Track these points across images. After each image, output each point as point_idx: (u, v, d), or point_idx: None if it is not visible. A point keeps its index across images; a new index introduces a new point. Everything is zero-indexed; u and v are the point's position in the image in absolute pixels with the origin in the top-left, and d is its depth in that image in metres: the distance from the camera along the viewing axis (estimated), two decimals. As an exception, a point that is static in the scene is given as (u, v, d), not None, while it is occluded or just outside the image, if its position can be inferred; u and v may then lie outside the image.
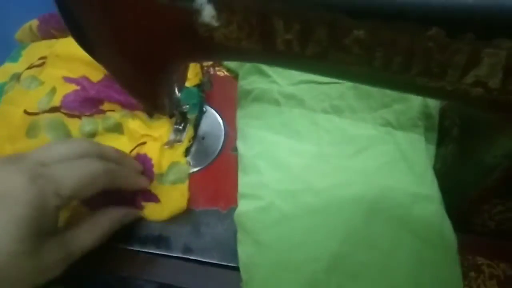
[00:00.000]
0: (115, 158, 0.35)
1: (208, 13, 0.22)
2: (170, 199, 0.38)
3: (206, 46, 0.24)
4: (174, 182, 0.39)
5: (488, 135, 0.28)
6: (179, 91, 0.35)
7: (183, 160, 0.40)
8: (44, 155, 0.30)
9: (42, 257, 0.28)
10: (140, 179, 0.37)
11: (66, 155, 0.31)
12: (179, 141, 0.41)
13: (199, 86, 0.44)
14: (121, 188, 0.35)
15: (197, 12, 0.22)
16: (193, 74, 0.44)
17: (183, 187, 0.39)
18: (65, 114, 0.42)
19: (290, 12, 0.21)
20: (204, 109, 0.45)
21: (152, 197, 0.38)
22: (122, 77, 0.29)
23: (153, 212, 0.38)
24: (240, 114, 0.39)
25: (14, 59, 0.52)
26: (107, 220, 0.34)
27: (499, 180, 0.28)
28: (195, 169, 0.41)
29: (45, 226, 0.28)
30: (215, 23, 0.22)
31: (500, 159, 0.27)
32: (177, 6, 0.22)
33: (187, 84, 0.43)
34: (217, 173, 0.41)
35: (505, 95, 0.21)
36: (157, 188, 0.38)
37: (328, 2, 0.20)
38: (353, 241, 0.31)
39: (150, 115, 0.35)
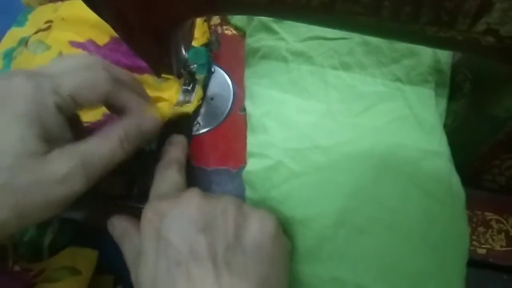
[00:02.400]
0: (127, 80, 0.32)
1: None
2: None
3: (212, 1, 0.24)
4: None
5: (499, 88, 0.28)
6: (186, 50, 0.35)
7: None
8: (50, 67, 0.29)
9: (53, 164, 0.26)
10: (151, 110, 0.33)
11: (71, 66, 0.29)
12: (188, 101, 0.41)
13: (207, 45, 0.44)
14: (125, 107, 0.31)
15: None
16: (200, 33, 0.43)
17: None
18: None
19: (295, -39, 0.20)
20: (213, 69, 0.44)
21: None
22: (128, 37, 0.29)
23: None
24: (248, 73, 0.39)
25: (21, 24, 0.52)
26: (120, 126, 0.30)
27: (510, 134, 0.28)
28: (204, 130, 0.41)
29: (49, 128, 0.26)
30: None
31: (508, 113, 0.27)
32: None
33: (195, 43, 0.43)
34: (227, 133, 0.41)
35: (518, 44, 0.20)
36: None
37: None
38: (360, 196, 0.31)
39: (158, 75, 0.35)
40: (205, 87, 0.43)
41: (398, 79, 0.34)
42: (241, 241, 0.26)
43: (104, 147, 0.29)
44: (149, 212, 0.27)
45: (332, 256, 0.31)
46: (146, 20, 0.27)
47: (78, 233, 0.48)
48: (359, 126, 0.33)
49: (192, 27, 0.33)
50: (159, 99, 0.41)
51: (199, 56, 0.43)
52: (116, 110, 0.32)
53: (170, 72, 0.34)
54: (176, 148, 0.35)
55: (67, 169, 0.26)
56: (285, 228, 0.32)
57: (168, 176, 0.32)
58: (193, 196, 0.27)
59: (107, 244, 0.42)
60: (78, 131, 0.31)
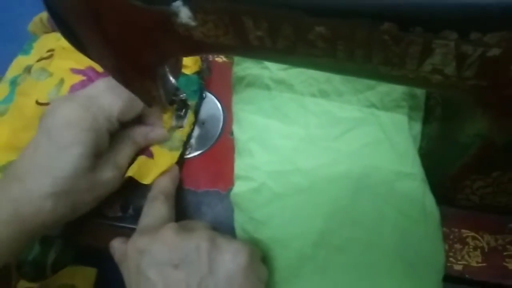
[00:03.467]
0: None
1: (185, 15, 0.24)
2: (161, 161, 0.41)
3: (188, 44, 0.26)
4: (170, 149, 0.42)
5: (463, 115, 0.30)
6: (175, 79, 0.37)
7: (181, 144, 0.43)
8: (91, 90, 0.35)
9: (100, 174, 0.34)
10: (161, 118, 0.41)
11: (107, 87, 0.35)
12: (181, 126, 0.44)
13: (198, 73, 0.46)
14: (147, 120, 0.40)
15: (175, 14, 0.24)
16: (192, 61, 0.46)
17: (176, 154, 0.41)
18: None
19: (257, 12, 0.22)
20: (204, 95, 0.47)
21: (148, 152, 0.41)
22: (116, 75, 0.31)
23: (143, 168, 0.40)
24: (235, 99, 0.41)
25: (26, 52, 0.55)
26: (139, 135, 0.39)
27: (474, 158, 0.29)
28: (196, 153, 0.44)
29: (100, 147, 0.34)
30: (192, 23, 0.24)
31: (473, 138, 0.28)
32: (156, 9, 0.24)
33: (187, 71, 0.45)
34: (217, 156, 0.43)
35: (463, 81, 0.22)
36: (154, 148, 0.41)
37: (290, 2, 0.21)
38: (338, 217, 0.33)
39: (149, 106, 0.37)
40: (196, 112, 0.45)
41: (373, 105, 0.36)
42: (214, 274, 0.28)
43: (131, 152, 0.38)
44: (130, 248, 0.31)
45: (313, 274, 0.33)
46: (132, 59, 0.29)
47: (79, 252, 0.50)
48: (336, 150, 0.35)
49: (178, 61, 0.36)
50: None
51: (191, 83, 0.45)
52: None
53: (160, 102, 0.36)
54: (165, 178, 0.38)
55: (110, 175, 0.35)
56: (267, 248, 0.34)
57: (153, 208, 0.36)
58: (169, 233, 0.30)
59: (106, 263, 0.44)
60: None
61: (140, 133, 0.39)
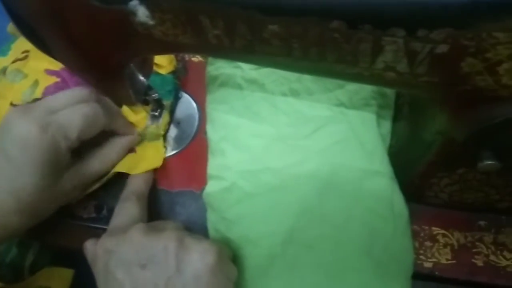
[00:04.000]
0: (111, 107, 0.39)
1: (142, 14, 0.24)
2: (146, 153, 0.41)
3: (150, 42, 0.26)
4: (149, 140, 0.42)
5: (426, 112, 0.30)
6: (146, 78, 0.37)
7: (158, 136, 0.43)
8: (51, 104, 0.34)
9: (62, 186, 0.34)
10: (131, 127, 0.41)
11: (69, 102, 0.35)
12: (156, 126, 0.44)
13: (174, 73, 0.46)
14: (115, 131, 0.39)
15: (133, 13, 0.24)
16: (167, 61, 0.46)
17: (158, 144, 0.42)
18: None
19: (212, 10, 0.22)
20: (180, 94, 0.47)
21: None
22: (83, 75, 0.31)
23: (129, 163, 0.40)
24: (208, 99, 0.41)
25: (4, 53, 0.54)
26: (112, 148, 0.39)
27: (437, 155, 0.30)
28: (171, 153, 0.44)
29: (60, 164, 0.34)
30: (150, 22, 0.24)
31: (435, 135, 0.29)
32: (114, 8, 0.24)
33: (162, 71, 0.45)
34: (192, 156, 0.43)
35: (416, 78, 0.22)
36: None
37: (242, 0, 0.21)
38: (307, 215, 0.33)
39: (119, 105, 0.37)
40: (172, 112, 0.45)
41: (342, 104, 0.36)
42: (182, 273, 0.28)
43: (98, 167, 0.38)
44: (99, 248, 0.31)
45: (282, 272, 0.33)
46: (98, 59, 0.29)
47: (56, 254, 0.50)
48: (306, 148, 0.35)
49: (146, 58, 0.35)
50: None
51: (166, 83, 0.45)
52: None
53: (130, 102, 0.36)
54: (137, 179, 0.39)
55: (71, 188, 0.35)
56: (238, 247, 0.34)
57: (125, 208, 0.36)
58: (137, 233, 0.30)
59: (82, 264, 0.44)
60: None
61: (110, 146, 0.39)
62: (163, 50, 0.29)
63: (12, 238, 0.36)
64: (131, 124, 0.41)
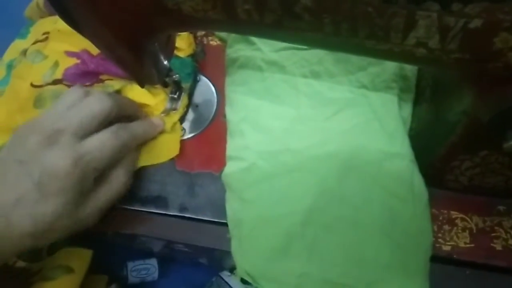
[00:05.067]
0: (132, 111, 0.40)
1: (173, -12, 0.24)
2: (163, 141, 0.42)
3: (177, 18, 0.27)
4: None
5: (451, 93, 0.30)
6: (167, 60, 0.38)
7: (177, 125, 0.43)
8: (76, 129, 0.35)
9: (82, 212, 0.35)
10: (153, 123, 0.42)
11: (95, 127, 0.36)
12: (175, 109, 0.44)
13: (192, 56, 0.46)
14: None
15: (163, -13, 0.24)
16: (186, 44, 0.46)
17: (176, 136, 0.42)
18: (67, 85, 0.44)
19: (244, -16, 0.22)
20: (198, 78, 0.47)
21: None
22: (108, 51, 0.32)
23: (147, 155, 0.41)
24: (227, 81, 0.41)
25: (23, 36, 0.55)
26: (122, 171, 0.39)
27: (461, 136, 0.30)
28: (190, 135, 0.44)
29: (83, 193, 0.35)
30: (180, -4, 0.24)
31: (460, 116, 0.29)
32: (145, -18, 0.24)
33: (181, 54, 0.46)
34: (210, 139, 0.43)
35: (447, 54, 0.22)
36: None
37: (275, -27, 0.21)
38: (327, 196, 0.33)
39: (141, 86, 0.38)
40: (190, 95, 0.46)
41: (364, 86, 0.36)
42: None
43: (115, 192, 0.38)
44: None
45: (301, 252, 0.33)
46: (124, 36, 0.30)
47: (74, 236, 0.50)
48: (326, 130, 0.35)
49: (170, 39, 0.36)
50: (145, 106, 0.43)
51: (185, 66, 0.45)
52: None
53: (152, 82, 0.36)
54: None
55: (87, 216, 0.36)
56: (255, 227, 0.34)
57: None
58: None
59: (102, 246, 0.45)
60: None
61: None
62: (191, 26, 0.29)
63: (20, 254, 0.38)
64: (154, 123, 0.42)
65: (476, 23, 0.20)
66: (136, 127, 0.39)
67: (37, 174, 0.33)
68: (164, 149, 0.42)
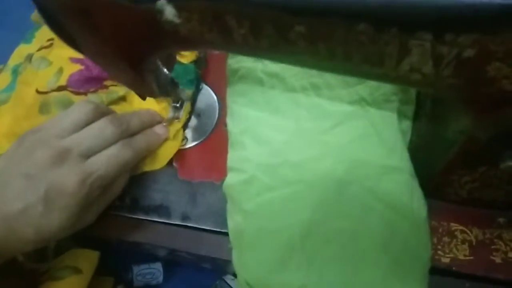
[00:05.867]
0: (136, 124, 0.41)
1: (169, 12, 0.24)
2: (164, 151, 0.43)
3: (175, 39, 0.27)
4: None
5: (450, 111, 0.30)
6: (169, 71, 0.38)
7: (180, 133, 0.44)
8: (84, 150, 0.36)
9: (83, 220, 0.37)
10: (157, 134, 0.43)
11: (101, 146, 0.37)
12: (177, 118, 0.44)
13: (195, 62, 0.46)
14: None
15: (160, 12, 0.24)
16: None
17: (176, 143, 0.43)
18: (72, 92, 0.45)
19: (239, 11, 0.23)
20: (200, 86, 0.47)
21: None
22: (108, 69, 0.32)
23: (149, 160, 0.43)
24: (229, 91, 0.41)
25: (28, 41, 0.56)
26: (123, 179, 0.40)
27: (459, 154, 0.30)
28: (191, 144, 0.44)
29: (89, 206, 0.37)
30: (177, 21, 0.25)
31: (458, 135, 0.29)
32: (142, 7, 0.24)
33: (184, 60, 0.46)
34: (212, 148, 0.44)
35: (441, 80, 0.22)
36: None
37: (269, 1, 0.21)
38: (325, 209, 0.34)
39: (143, 99, 0.38)
40: (193, 101, 0.46)
41: (363, 99, 0.36)
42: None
43: (113, 196, 0.40)
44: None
45: (300, 265, 0.34)
46: (123, 55, 0.30)
47: (80, 239, 0.51)
48: (325, 143, 0.35)
49: (171, 54, 0.36)
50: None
51: (187, 72, 0.45)
52: None
53: (153, 95, 0.37)
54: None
55: (92, 218, 0.39)
56: (256, 239, 0.35)
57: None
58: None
59: (108, 249, 0.46)
60: None
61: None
62: (188, 46, 0.30)
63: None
64: (159, 131, 0.43)
65: (469, 52, 0.20)
66: (140, 142, 0.40)
67: (43, 190, 0.34)
68: (164, 156, 0.43)
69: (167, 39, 0.27)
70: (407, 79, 0.23)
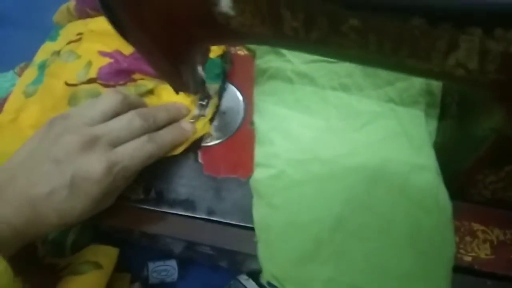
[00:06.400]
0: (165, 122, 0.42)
1: (225, 4, 0.26)
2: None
3: (223, 32, 0.28)
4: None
5: (479, 111, 0.31)
6: (203, 69, 0.39)
7: (207, 125, 0.45)
8: (111, 136, 0.37)
9: (103, 204, 0.38)
10: (184, 129, 0.43)
11: (129, 138, 0.38)
12: (203, 115, 0.45)
13: (222, 56, 0.47)
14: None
15: (215, 3, 0.26)
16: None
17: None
18: (101, 84, 0.46)
19: (295, 3, 0.24)
20: (226, 86, 0.48)
21: None
22: (150, 58, 0.33)
23: None
24: (257, 91, 0.43)
25: (53, 39, 0.57)
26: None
27: (488, 152, 0.31)
28: (217, 141, 0.45)
29: (112, 194, 0.38)
30: (231, 12, 0.26)
31: (488, 132, 0.30)
32: (198, -2, 0.26)
33: (211, 54, 0.46)
34: (237, 145, 0.44)
35: (484, 75, 0.24)
36: None
37: (327, -5, 0.23)
38: (354, 205, 0.35)
39: (176, 92, 0.39)
40: (220, 96, 0.47)
41: (392, 100, 0.37)
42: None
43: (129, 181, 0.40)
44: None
45: (328, 258, 0.34)
46: (167, 46, 0.31)
47: (97, 235, 0.52)
48: (355, 141, 0.36)
49: (207, 50, 0.37)
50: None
51: (214, 66, 0.46)
52: None
53: (188, 90, 0.38)
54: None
55: (112, 202, 0.39)
56: (283, 232, 0.36)
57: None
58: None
59: (124, 245, 0.46)
60: None
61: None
62: (234, 40, 0.31)
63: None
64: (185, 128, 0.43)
65: (516, 48, 0.21)
66: (165, 137, 0.41)
67: (69, 175, 0.34)
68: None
69: (216, 32, 0.28)
70: (451, 75, 0.25)
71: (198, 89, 0.39)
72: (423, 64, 0.24)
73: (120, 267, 0.48)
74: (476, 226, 0.38)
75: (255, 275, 0.55)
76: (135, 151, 0.37)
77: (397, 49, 0.24)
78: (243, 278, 0.55)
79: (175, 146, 0.42)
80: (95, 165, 0.35)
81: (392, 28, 0.23)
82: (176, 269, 0.56)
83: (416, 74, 0.26)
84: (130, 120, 0.39)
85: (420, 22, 0.22)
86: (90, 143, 0.36)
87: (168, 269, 0.56)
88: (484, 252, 0.37)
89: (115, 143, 0.37)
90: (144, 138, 0.39)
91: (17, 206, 0.33)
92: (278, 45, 0.29)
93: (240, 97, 0.47)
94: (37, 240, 0.42)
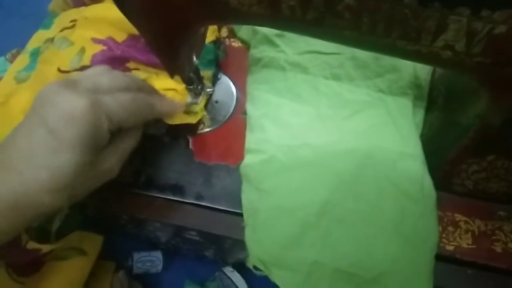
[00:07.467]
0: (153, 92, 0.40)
1: (225, -18, 0.26)
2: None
3: (222, 11, 0.29)
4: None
5: (465, 100, 0.33)
6: (196, 58, 0.40)
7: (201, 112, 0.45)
8: (95, 82, 0.34)
9: (101, 165, 0.34)
10: (174, 105, 0.41)
11: (112, 85, 0.35)
12: (196, 103, 0.46)
13: (215, 42, 0.48)
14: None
15: (216, -20, 0.26)
16: (210, 31, 0.46)
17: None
18: None
19: (293, -18, 0.25)
20: (219, 76, 0.49)
21: None
22: (149, 38, 0.34)
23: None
24: (250, 79, 0.43)
25: (47, 27, 0.57)
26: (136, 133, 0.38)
27: (472, 139, 0.32)
28: (208, 129, 0.46)
29: (99, 143, 0.33)
30: (230, -9, 0.27)
31: (473, 120, 0.31)
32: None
33: (204, 40, 0.47)
34: (228, 133, 0.45)
35: (470, 58, 0.25)
36: None
37: (323, -27, 0.24)
38: (342, 190, 0.35)
39: (171, 76, 0.40)
40: (213, 82, 0.47)
41: (381, 90, 0.38)
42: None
43: (132, 142, 0.37)
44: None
45: (315, 242, 0.35)
46: (168, 25, 0.32)
47: (83, 222, 0.52)
48: (344, 128, 0.37)
49: (203, 36, 0.38)
50: (170, 89, 0.45)
51: (207, 52, 0.46)
52: None
53: (183, 74, 0.38)
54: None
55: (111, 164, 0.35)
56: (272, 217, 0.36)
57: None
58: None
59: (111, 234, 0.46)
60: None
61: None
62: (230, 19, 0.31)
63: (41, 219, 0.35)
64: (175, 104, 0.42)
65: (501, 28, 0.22)
66: (155, 100, 0.39)
67: (51, 119, 0.31)
68: (183, 117, 0.43)
69: (216, 12, 0.29)
70: (438, 57, 0.26)
71: (192, 74, 0.40)
72: (412, 46, 0.25)
73: (105, 256, 0.48)
74: (459, 217, 0.39)
75: (240, 267, 0.55)
76: (121, 98, 0.34)
77: (388, 30, 0.25)
78: (228, 270, 0.56)
79: (167, 114, 0.41)
80: (75, 101, 0.31)
81: (385, 7, 0.24)
82: (161, 260, 0.56)
83: (405, 56, 0.27)
84: (118, 75, 0.37)
85: (412, 1, 0.23)
86: (72, 84, 0.33)
87: (153, 259, 0.56)
88: (465, 242, 0.38)
89: (100, 90, 0.34)
90: (133, 92, 0.36)
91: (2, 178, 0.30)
92: (274, 26, 0.30)
93: (233, 88, 0.48)
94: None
